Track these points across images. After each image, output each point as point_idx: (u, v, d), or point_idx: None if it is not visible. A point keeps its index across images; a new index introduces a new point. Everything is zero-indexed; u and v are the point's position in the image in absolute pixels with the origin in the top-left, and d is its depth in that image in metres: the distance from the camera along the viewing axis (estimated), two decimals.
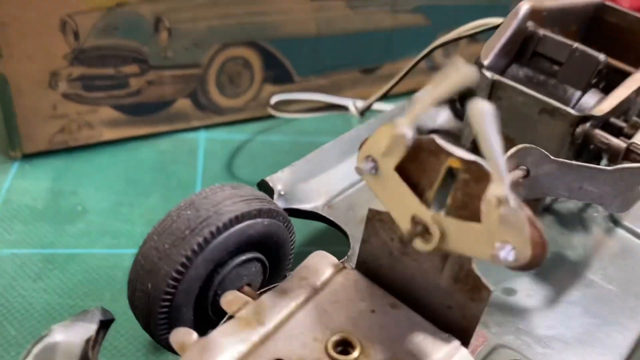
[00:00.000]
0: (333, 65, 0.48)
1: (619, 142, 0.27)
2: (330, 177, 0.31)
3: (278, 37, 0.45)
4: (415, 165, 0.20)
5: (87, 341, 0.22)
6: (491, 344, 0.25)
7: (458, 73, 0.18)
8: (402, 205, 0.20)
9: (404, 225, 0.20)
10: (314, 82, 0.48)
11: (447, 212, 0.20)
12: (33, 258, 0.35)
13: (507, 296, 0.27)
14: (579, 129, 0.27)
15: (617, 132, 0.28)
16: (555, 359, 0.25)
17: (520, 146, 0.24)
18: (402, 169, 0.20)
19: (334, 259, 0.24)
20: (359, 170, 0.21)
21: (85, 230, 0.37)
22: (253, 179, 0.31)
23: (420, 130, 0.20)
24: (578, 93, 0.29)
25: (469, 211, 0.19)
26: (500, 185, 0.18)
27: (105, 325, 0.23)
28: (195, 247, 0.21)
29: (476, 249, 0.19)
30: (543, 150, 0.24)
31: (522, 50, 0.31)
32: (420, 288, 0.22)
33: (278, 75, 0.47)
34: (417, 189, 0.20)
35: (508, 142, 0.30)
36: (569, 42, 0.30)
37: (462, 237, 0.19)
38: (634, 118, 0.29)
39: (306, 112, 0.43)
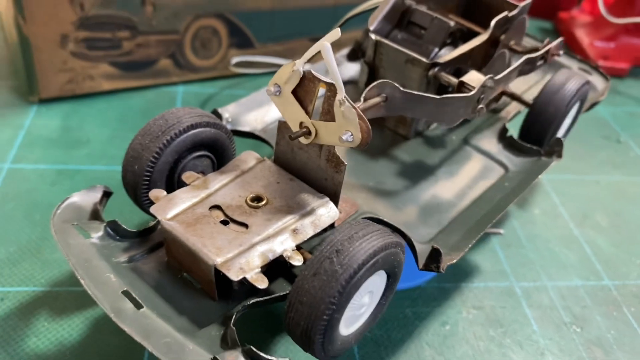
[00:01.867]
0: (286, 35, 0.60)
1: (455, 80, 0.39)
2: (264, 111, 0.43)
3: (240, 10, 0.57)
4: (302, 88, 0.32)
5: (96, 202, 0.34)
6: (359, 210, 0.37)
7: (332, 34, 0.30)
8: (294, 115, 0.33)
9: (295, 128, 0.33)
10: (271, 48, 0.60)
11: (319, 118, 0.32)
12: (49, 171, 0.47)
13: (377, 185, 0.40)
14: (430, 72, 0.40)
15: (461, 74, 0.41)
16: (401, 216, 0.37)
17: (379, 81, 0.36)
18: (295, 92, 0.33)
19: (257, 155, 0.36)
20: (269, 92, 0.33)
21: (88, 154, 0.49)
22: None
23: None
24: (436, 49, 0.42)
25: (330, 115, 0.31)
26: (340, 93, 0.30)
27: (106, 194, 0.35)
28: (165, 142, 0.34)
29: (333, 138, 0.31)
30: (394, 83, 0.36)
31: (401, 19, 0.43)
32: (309, 169, 0.35)
33: (241, 41, 0.59)
34: (303, 104, 0.32)
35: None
36: (431, 13, 0.42)
37: (326, 132, 0.31)
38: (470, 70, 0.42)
39: (257, 68, 0.56)
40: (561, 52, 0.46)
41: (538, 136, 0.44)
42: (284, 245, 0.31)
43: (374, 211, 0.37)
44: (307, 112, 0.32)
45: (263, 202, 0.33)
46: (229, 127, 0.41)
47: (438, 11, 0.46)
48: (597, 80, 0.52)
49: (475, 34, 0.43)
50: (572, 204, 0.52)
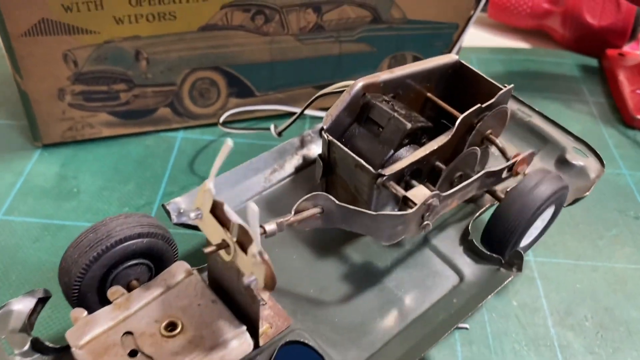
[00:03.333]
0: (288, 83, 0.59)
1: (401, 193, 0.37)
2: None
3: (237, 64, 0.56)
4: (219, 210, 0.32)
5: (30, 310, 0.36)
6: (292, 327, 0.37)
7: (224, 148, 0.30)
8: (217, 235, 0.33)
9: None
10: (273, 96, 0.60)
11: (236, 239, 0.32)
12: (36, 225, 0.50)
13: (319, 294, 0.39)
14: (378, 181, 0.38)
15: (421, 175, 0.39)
16: (333, 334, 0.37)
17: (313, 193, 0.35)
18: (213, 211, 0.32)
19: (188, 267, 0.37)
20: (190, 220, 0.34)
21: (75, 208, 0.52)
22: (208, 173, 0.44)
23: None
24: (391, 151, 0.40)
25: (244, 248, 0.31)
26: (254, 246, 0.30)
27: (43, 300, 0.37)
28: (92, 259, 0.35)
29: (246, 270, 0.31)
30: (329, 196, 0.35)
31: (361, 112, 0.41)
32: (235, 291, 0.35)
33: (241, 91, 0.58)
34: (223, 224, 0.32)
35: (343, 184, 0.41)
36: (389, 111, 0.40)
37: (240, 260, 0.31)
38: (413, 181, 0.39)
39: (242, 129, 0.55)
40: (526, 167, 0.42)
41: (499, 242, 0.41)
42: None
43: (306, 327, 0.37)
44: (229, 230, 0.32)
45: (177, 331, 0.34)
46: (178, 219, 0.41)
47: (412, 93, 0.44)
48: (590, 165, 0.48)
49: (453, 119, 0.41)
50: (558, 295, 0.49)
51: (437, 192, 0.37)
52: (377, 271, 0.41)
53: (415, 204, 0.36)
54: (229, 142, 0.30)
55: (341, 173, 0.41)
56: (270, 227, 0.34)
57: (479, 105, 0.41)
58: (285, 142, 0.46)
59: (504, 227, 0.40)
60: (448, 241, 0.43)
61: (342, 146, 0.39)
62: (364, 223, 0.36)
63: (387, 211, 0.38)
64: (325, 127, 0.40)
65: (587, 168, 0.47)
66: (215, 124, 0.60)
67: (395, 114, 0.40)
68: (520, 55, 0.74)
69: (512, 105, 0.51)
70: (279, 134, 0.50)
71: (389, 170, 0.38)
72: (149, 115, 0.57)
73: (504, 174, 0.41)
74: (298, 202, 0.35)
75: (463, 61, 0.45)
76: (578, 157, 0.47)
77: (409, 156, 0.39)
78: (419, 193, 0.37)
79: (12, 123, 0.59)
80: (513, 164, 0.42)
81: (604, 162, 0.47)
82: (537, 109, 0.51)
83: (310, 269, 0.40)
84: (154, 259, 0.38)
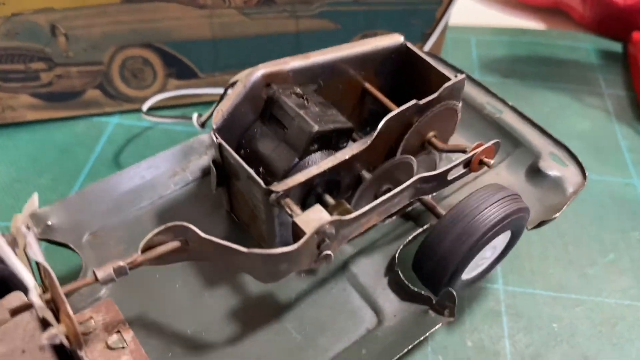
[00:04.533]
0: (237, 64, 0.51)
1: (293, 215, 0.29)
2: (93, 212, 0.36)
3: (172, 40, 0.49)
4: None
5: None
6: None
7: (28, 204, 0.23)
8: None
9: None
10: (220, 78, 0.52)
11: None
12: None
13: (199, 333, 0.32)
14: (271, 198, 0.30)
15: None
16: None
17: (173, 223, 0.27)
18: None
19: (24, 300, 0.30)
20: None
21: None
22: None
23: None
24: (295, 158, 0.31)
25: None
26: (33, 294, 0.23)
27: None
28: None
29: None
30: (192, 227, 0.27)
31: (265, 109, 0.33)
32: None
33: (181, 71, 0.51)
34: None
35: (242, 197, 0.33)
36: (294, 109, 0.31)
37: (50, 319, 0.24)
38: (326, 196, 0.31)
39: (166, 117, 0.48)
40: (492, 162, 0.33)
41: (431, 275, 0.33)
42: None
43: None
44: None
45: None
46: (43, 234, 0.34)
47: (342, 84, 0.35)
48: (569, 176, 0.38)
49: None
50: (527, 336, 0.40)
51: (335, 218, 0.29)
52: (277, 306, 0.33)
53: (304, 234, 0.28)
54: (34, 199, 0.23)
55: (238, 184, 0.33)
56: (105, 272, 0.26)
57: (414, 101, 0.32)
58: (192, 139, 0.39)
59: (437, 256, 0.32)
60: (371, 270, 0.34)
61: (232, 152, 0.31)
62: (238, 260, 0.28)
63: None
64: (214, 127, 0.32)
65: (563, 180, 0.37)
66: (155, 109, 0.53)
67: (302, 112, 0.32)
68: (528, 37, 0.64)
69: (480, 98, 0.42)
70: (202, 125, 0.43)
71: (282, 186, 0.30)
72: (76, 98, 0.51)
73: (456, 173, 0.33)
74: (148, 236, 0.27)
75: (410, 44, 0.36)
76: (554, 166, 0.38)
77: (310, 169, 0.31)
78: (311, 218, 0.29)
79: None
80: (470, 158, 0.33)
81: (586, 173, 0.37)
82: (510, 104, 0.41)
83: (193, 301, 0.33)
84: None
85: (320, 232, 0.28)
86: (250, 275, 0.29)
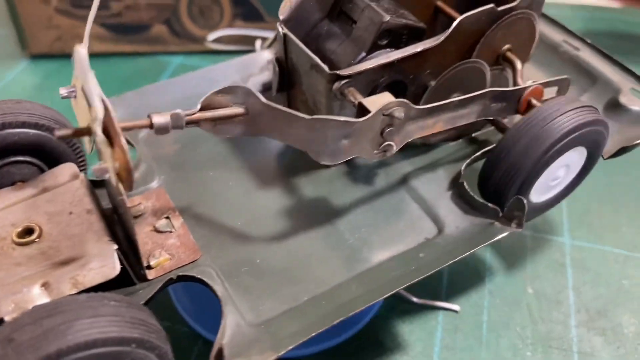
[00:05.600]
0: None
1: (358, 100, 0.27)
2: (152, 109, 0.35)
3: None
4: None
5: None
6: (200, 262, 0.28)
7: None
8: (84, 117, 0.25)
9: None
10: None
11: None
12: None
13: (247, 227, 0.30)
14: (335, 86, 0.28)
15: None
16: (248, 279, 0.28)
17: (236, 84, 0.26)
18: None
19: (76, 171, 0.29)
20: (62, 95, 0.26)
21: None
22: None
23: None
24: (362, 53, 0.30)
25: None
26: (95, 123, 0.22)
27: None
28: None
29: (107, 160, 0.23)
30: (252, 91, 0.25)
31: (334, 6, 0.32)
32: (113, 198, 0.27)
33: (248, 13, 0.51)
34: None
35: (303, 98, 0.32)
36: (365, 1, 0.30)
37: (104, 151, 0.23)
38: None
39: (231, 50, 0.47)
40: (539, 104, 0.31)
41: (497, 190, 0.30)
42: (23, 299, 0.24)
43: (219, 264, 0.28)
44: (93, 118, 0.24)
45: (31, 238, 0.26)
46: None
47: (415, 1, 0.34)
48: None
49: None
50: (594, 289, 0.37)
51: (404, 100, 0.27)
52: (331, 210, 0.31)
53: (370, 112, 0.27)
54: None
55: (299, 82, 0.32)
56: (161, 119, 0.25)
57: (491, 5, 0.31)
58: (255, 53, 0.38)
59: (504, 168, 0.29)
60: (434, 184, 0.32)
61: (296, 40, 0.30)
62: (297, 132, 0.26)
63: None
64: (281, 17, 0.31)
65: None
66: (219, 52, 0.52)
67: (373, 4, 0.30)
68: (607, 14, 0.61)
69: (557, 36, 0.39)
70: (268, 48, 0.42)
71: (348, 71, 0.28)
72: (143, 32, 0.51)
73: (506, 104, 0.30)
74: (209, 94, 0.26)
75: None
76: (635, 101, 0.35)
77: (379, 57, 0.29)
78: (378, 100, 0.27)
79: (4, 32, 0.55)
80: (519, 93, 0.31)
81: None
82: (589, 41, 0.39)
83: (246, 197, 0.32)
84: (47, 159, 0.31)
85: (387, 114, 0.27)
86: (311, 154, 0.27)
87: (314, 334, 0.25)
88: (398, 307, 0.35)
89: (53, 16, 0.49)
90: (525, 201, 0.28)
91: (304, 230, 0.30)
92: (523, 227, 0.29)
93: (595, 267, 0.38)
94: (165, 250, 0.29)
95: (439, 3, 0.35)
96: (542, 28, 0.40)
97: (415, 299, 0.35)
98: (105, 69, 0.51)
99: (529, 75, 0.37)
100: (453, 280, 0.37)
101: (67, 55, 0.52)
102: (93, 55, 0.51)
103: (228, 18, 0.51)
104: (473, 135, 0.35)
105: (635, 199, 0.42)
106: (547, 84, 0.31)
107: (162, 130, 0.25)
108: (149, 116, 0.25)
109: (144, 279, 0.27)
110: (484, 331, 0.34)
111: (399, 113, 0.27)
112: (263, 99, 0.26)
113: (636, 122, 0.34)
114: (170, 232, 0.30)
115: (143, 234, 0.29)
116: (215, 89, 0.26)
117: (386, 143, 0.28)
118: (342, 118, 0.26)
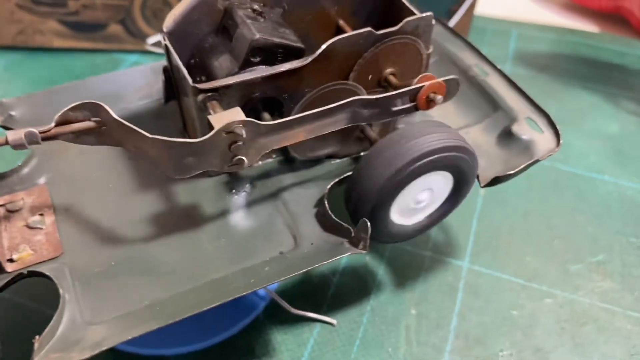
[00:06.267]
0: None
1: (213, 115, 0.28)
2: (56, 110, 0.36)
3: None
4: None
5: None
6: (61, 259, 0.30)
7: None
8: None
9: None
10: None
11: None
12: None
13: (115, 228, 0.31)
14: (199, 97, 0.29)
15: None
16: (102, 286, 0.29)
17: (89, 100, 0.27)
18: None
19: None
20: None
21: None
22: None
23: None
24: (235, 68, 0.31)
25: None
26: None
27: None
28: None
29: None
30: (107, 108, 0.27)
31: (221, 21, 0.33)
32: None
33: None
34: None
35: (186, 111, 0.33)
36: (243, 19, 0.31)
37: None
38: (264, 113, 0.30)
39: None
40: (439, 97, 0.31)
41: (355, 207, 0.31)
42: None
43: (77, 263, 0.29)
44: None
45: None
46: (6, 122, 0.35)
47: (311, 15, 0.34)
48: (541, 141, 0.34)
49: None
50: (479, 317, 0.36)
51: (249, 119, 0.28)
52: (199, 218, 0.32)
53: (214, 129, 0.27)
54: None
55: (180, 92, 0.33)
56: (16, 135, 0.27)
57: (369, 28, 0.31)
58: (164, 60, 0.39)
59: (360, 185, 0.30)
60: (304, 200, 0.33)
61: (173, 53, 0.31)
62: (145, 147, 0.28)
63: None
64: (165, 30, 0.32)
65: (534, 144, 0.34)
66: None
67: (248, 22, 0.31)
68: (576, 38, 0.60)
69: (469, 59, 0.39)
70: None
71: (207, 85, 0.29)
72: (100, 31, 0.53)
73: (399, 106, 0.31)
74: (63, 110, 0.27)
75: None
76: (527, 130, 0.35)
77: (244, 74, 0.30)
78: (224, 117, 0.28)
79: None
80: (417, 90, 0.31)
81: (561, 140, 0.34)
82: (498, 67, 0.38)
83: (120, 200, 0.33)
84: None
85: (230, 131, 0.27)
86: (158, 167, 0.28)
87: (136, 335, 0.26)
88: (278, 315, 0.36)
89: (15, 11, 0.52)
90: (368, 224, 0.29)
91: (165, 236, 0.31)
92: (367, 250, 0.29)
93: (488, 294, 0.38)
94: (30, 246, 0.30)
95: (341, 22, 0.36)
96: (455, 50, 0.40)
97: (293, 310, 0.36)
98: (63, 63, 0.53)
99: None
100: (339, 293, 0.37)
101: (29, 48, 0.54)
102: (53, 50, 0.53)
103: None
104: (361, 154, 0.35)
105: (547, 228, 0.42)
106: (432, 83, 0.31)
107: (18, 146, 0.27)
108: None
109: (2, 271, 0.29)
110: (354, 348, 0.35)
111: (240, 131, 0.28)
112: (113, 114, 0.27)
113: (523, 150, 0.34)
114: (40, 228, 0.31)
115: (15, 229, 0.31)
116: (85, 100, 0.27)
117: (237, 157, 0.29)
118: (182, 140, 0.27)
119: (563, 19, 0.63)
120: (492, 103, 0.37)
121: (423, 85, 0.30)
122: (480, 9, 0.61)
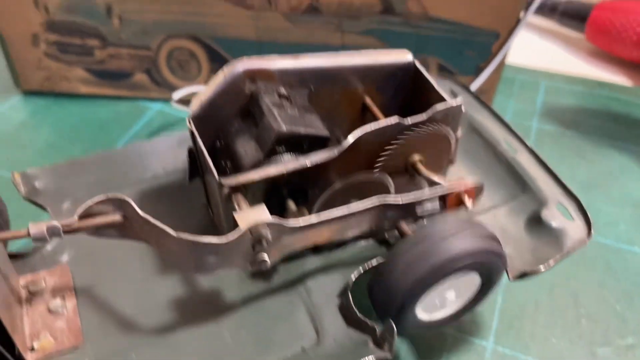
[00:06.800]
0: None
1: (239, 210, 0.28)
2: (80, 183, 0.37)
3: (218, 37, 0.49)
4: None
5: None
6: (81, 350, 0.30)
7: None
8: None
9: None
10: None
11: None
12: None
13: (136, 317, 0.31)
14: (224, 190, 0.29)
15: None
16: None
17: (113, 195, 0.27)
18: None
19: None
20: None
21: (22, 158, 0.49)
22: None
23: None
24: (260, 157, 0.30)
25: None
26: None
27: None
28: None
29: None
30: (132, 204, 0.26)
31: (246, 106, 0.32)
32: None
33: None
34: None
35: (211, 191, 0.33)
36: (268, 107, 0.30)
37: None
38: (289, 201, 0.30)
39: None
40: (470, 203, 0.30)
41: (381, 303, 0.30)
42: None
43: (95, 354, 0.29)
44: None
45: None
46: (29, 194, 0.35)
47: (338, 94, 0.34)
48: (571, 230, 0.34)
49: None
50: None
51: (275, 220, 0.27)
52: (220, 307, 0.32)
53: (240, 230, 0.27)
54: None
55: (205, 172, 0.32)
56: (38, 229, 0.27)
57: (396, 118, 0.30)
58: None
59: (386, 283, 0.29)
60: (328, 288, 0.32)
61: (198, 139, 0.31)
62: (168, 245, 0.27)
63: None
64: (190, 114, 0.32)
65: (564, 233, 0.33)
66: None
67: (275, 111, 0.31)
68: (605, 91, 0.58)
69: (498, 133, 0.38)
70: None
71: (232, 180, 0.29)
72: (125, 79, 0.53)
73: (428, 207, 0.30)
74: (87, 203, 0.27)
75: (418, 63, 0.34)
76: (557, 217, 0.34)
77: (269, 168, 0.29)
78: (250, 216, 0.27)
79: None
80: (445, 193, 0.30)
81: (592, 232, 0.33)
82: (529, 144, 0.37)
83: (143, 283, 0.33)
84: None
85: (255, 232, 0.27)
86: (178, 264, 0.28)
87: None
88: None
89: (42, 58, 0.52)
90: (394, 328, 0.28)
91: (186, 326, 0.31)
92: (392, 354, 0.28)
93: None
94: (51, 333, 0.30)
95: (367, 101, 0.35)
96: (486, 122, 0.39)
97: None
98: (88, 109, 0.53)
99: (462, 170, 0.37)
100: None
101: (55, 94, 0.55)
102: (78, 97, 0.54)
103: (206, 72, 0.52)
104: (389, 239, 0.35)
105: (574, 306, 0.41)
106: (463, 189, 0.30)
107: (40, 240, 0.27)
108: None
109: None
110: None
111: (265, 231, 0.27)
112: (138, 210, 0.27)
113: (553, 239, 0.33)
114: (62, 313, 0.31)
115: (37, 314, 0.31)
116: (98, 196, 0.27)
117: (260, 257, 0.28)
118: (206, 239, 0.26)
119: (594, 68, 0.62)
120: (521, 183, 0.36)
121: (451, 189, 0.30)
122: (509, 57, 0.60)
